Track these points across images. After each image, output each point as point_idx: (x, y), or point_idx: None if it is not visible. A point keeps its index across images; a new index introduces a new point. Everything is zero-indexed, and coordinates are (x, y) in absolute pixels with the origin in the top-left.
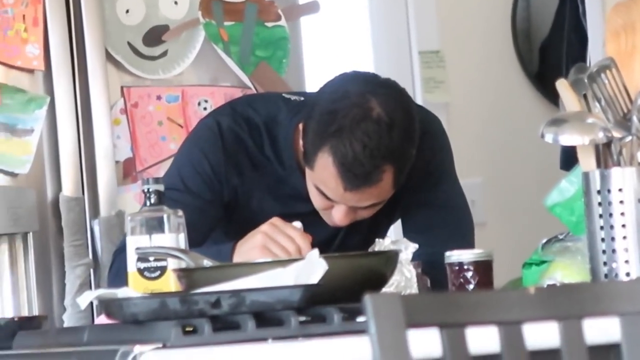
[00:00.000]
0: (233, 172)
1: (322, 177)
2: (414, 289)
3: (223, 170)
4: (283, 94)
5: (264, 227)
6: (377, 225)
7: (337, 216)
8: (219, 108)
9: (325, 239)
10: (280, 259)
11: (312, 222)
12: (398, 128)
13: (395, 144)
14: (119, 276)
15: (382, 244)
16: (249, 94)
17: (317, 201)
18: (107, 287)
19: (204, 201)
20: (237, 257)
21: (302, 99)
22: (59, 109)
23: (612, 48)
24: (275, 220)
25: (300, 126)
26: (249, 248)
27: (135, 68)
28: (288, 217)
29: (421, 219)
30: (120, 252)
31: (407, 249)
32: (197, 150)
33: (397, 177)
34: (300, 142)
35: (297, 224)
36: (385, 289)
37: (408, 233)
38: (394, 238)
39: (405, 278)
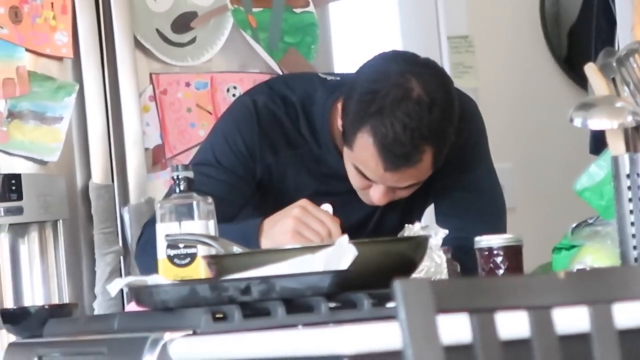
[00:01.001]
0: (267, 150)
1: (362, 157)
2: (443, 274)
3: (257, 147)
4: (320, 74)
5: (295, 211)
6: (412, 206)
7: (375, 196)
8: (255, 87)
9: (361, 218)
10: (311, 244)
11: (349, 202)
12: (438, 108)
13: (435, 124)
14: (147, 247)
15: (412, 230)
16: (285, 74)
17: (355, 181)
18: (135, 257)
19: (236, 177)
20: (267, 241)
21: (338, 78)
22: (88, 97)
23: None
24: (305, 203)
25: (339, 106)
26: (279, 232)
27: (164, 55)
28: (324, 196)
29: (454, 201)
30: (150, 224)
31: (437, 235)
32: (232, 127)
33: (436, 158)
34: (339, 121)
35: (327, 206)
36: (415, 275)
37: (440, 216)
38: (424, 224)
39: (435, 264)
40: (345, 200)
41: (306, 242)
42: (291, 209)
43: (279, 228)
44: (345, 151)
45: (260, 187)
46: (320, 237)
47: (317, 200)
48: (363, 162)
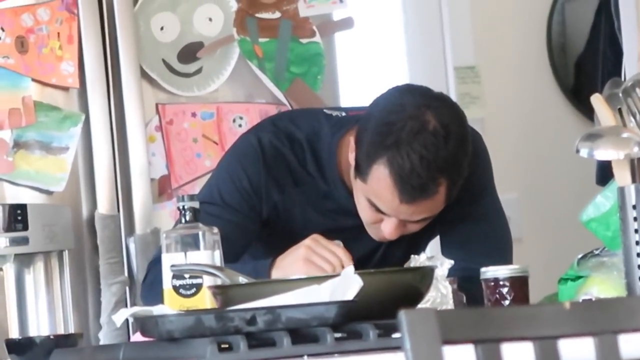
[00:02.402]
0: (273, 189)
1: (377, 190)
2: (449, 305)
3: (263, 186)
4: (324, 110)
5: (307, 241)
6: (418, 240)
7: (387, 230)
8: (260, 123)
9: (366, 253)
10: (323, 273)
11: (355, 236)
12: (454, 140)
13: (452, 157)
14: (153, 287)
15: (417, 260)
16: (290, 110)
17: (367, 215)
18: (142, 297)
19: (242, 216)
20: (278, 271)
21: (343, 114)
22: (94, 127)
23: None
24: (317, 236)
25: (351, 139)
26: (291, 261)
27: (170, 85)
28: (332, 231)
29: (459, 233)
30: (155, 263)
31: (443, 265)
32: (237, 165)
33: (451, 190)
34: (351, 154)
35: (338, 242)
36: (420, 305)
37: (446, 247)
38: (429, 254)
39: (440, 294)
40: (353, 235)
41: (318, 270)
42: (303, 241)
43: (291, 258)
44: (358, 184)
45: (267, 225)
46: (331, 265)
47: (325, 236)
48: (377, 195)
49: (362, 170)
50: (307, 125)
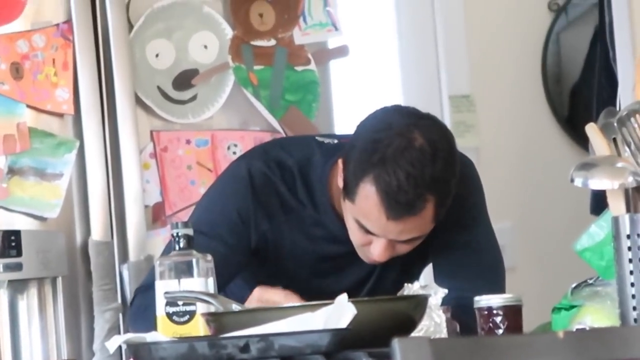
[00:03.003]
0: (263, 217)
1: (364, 208)
2: (443, 334)
3: (252, 215)
4: (316, 137)
5: (251, 305)
6: (410, 267)
7: (376, 251)
8: (251, 151)
9: (358, 280)
10: None
11: (347, 263)
12: (441, 158)
13: (438, 174)
14: (139, 313)
15: (411, 289)
16: (282, 137)
17: (356, 237)
18: (129, 322)
19: (228, 246)
20: None
21: (335, 141)
22: (89, 153)
23: None
24: (256, 293)
25: (340, 164)
26: None
27: (165, 112)
28: (322, 259)
29: (452, 261)
30: (143, 290)
31: (437, 294)
32: (226, 194)
33: (438, 209)
34: (340, 177)
35: (277, 289)
36: (414, 334)
37: (439, 275)
38: (423, 283)
39: (434, 323)
40: (344, 262)
41: None
42: (248, 304)
43: None
44: (347, 205)
45: (257, 254)
46: None
47: (316, 263)
48: (365, 214)
49: (350, 190)
50: (298, 152)
